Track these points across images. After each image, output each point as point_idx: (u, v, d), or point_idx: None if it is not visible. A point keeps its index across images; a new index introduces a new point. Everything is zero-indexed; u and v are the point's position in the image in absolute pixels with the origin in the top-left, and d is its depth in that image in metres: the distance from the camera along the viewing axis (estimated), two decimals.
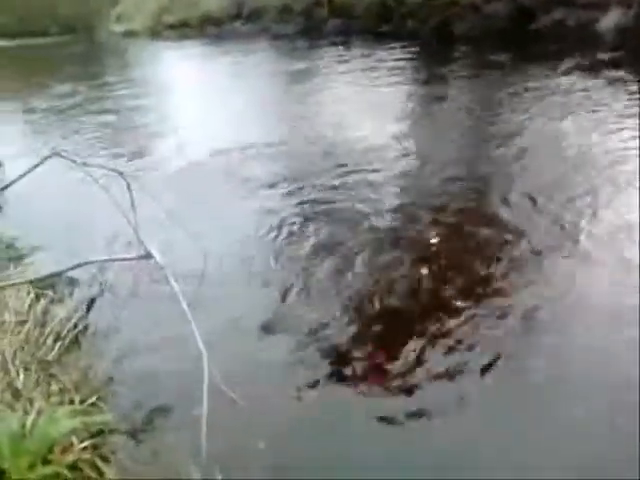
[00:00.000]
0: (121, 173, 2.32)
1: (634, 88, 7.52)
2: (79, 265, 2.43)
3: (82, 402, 2.88)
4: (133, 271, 3.40)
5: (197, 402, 2.27)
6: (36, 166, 2.12)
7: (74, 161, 2.27)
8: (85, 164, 2.23)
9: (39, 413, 2.57)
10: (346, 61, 11.90)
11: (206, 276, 3.50)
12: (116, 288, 3.73)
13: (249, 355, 3.18)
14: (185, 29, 19.26)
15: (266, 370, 3.07)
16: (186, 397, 2.68)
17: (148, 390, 3.01)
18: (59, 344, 3.30)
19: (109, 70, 14.09)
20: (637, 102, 6.86)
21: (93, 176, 2.26)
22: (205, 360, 2.03)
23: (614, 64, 8.80)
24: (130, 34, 20.79)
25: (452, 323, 3.27)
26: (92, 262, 2.81)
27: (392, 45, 12.57)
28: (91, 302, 3.78)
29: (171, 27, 19.81)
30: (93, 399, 2.90)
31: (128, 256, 2.21)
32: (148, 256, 2.15)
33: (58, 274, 3.21)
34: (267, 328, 3.41)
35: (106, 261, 3.08)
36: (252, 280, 3.87)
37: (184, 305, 2.01)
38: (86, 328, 3.46)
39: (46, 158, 2.21)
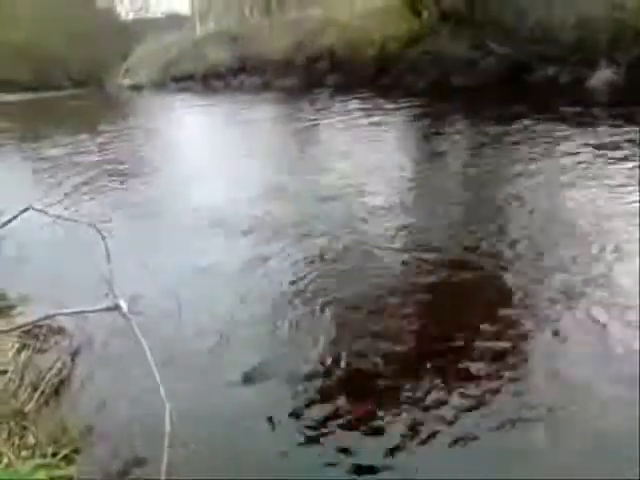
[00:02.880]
0: (94, 225, 2.37)
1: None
2: (47, 317, 2.46)
3: (54, 455, 2.85)
4: (112, 321, 3.40)
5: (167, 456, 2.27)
6: (10, 221, 2.18)
7: (48, 214, 2.32)
8: (59, 217, 2.28)
9: (6, 468, 2.55)
10: (336, 112, 12.36)
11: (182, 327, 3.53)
12: (95, 339, 3.75)
13: (221, 405, 3.17)
14: (189, 82, 19.83)
15: (236, 420, 3.05)
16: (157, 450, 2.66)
17: (123, 442, 2.98)
18: (37, 395, 3.30)
19: (110, 121, 14.62)
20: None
21: (66, 229, 2.30)
22: (167, 413, 2.03)
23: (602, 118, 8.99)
24: (137, 87, 21.39)
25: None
26: (59, 314, 2.83)
27: (388, 97, 12.94)
28: (74, 353, 3.79)
29: (176, 80, 20.42)
30: (66, 451, 2.88)
31: (96, 308, 2.24)
32: (116, 308, 2.18)
33: (26, 326, 3.23)
34: (247, 379, 3.40)
35: (74, 313, 3.10)
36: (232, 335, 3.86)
37: (148, 353, 2.03)
38: (64, 380, 3.46)
39: (21, 212, 2.27)
